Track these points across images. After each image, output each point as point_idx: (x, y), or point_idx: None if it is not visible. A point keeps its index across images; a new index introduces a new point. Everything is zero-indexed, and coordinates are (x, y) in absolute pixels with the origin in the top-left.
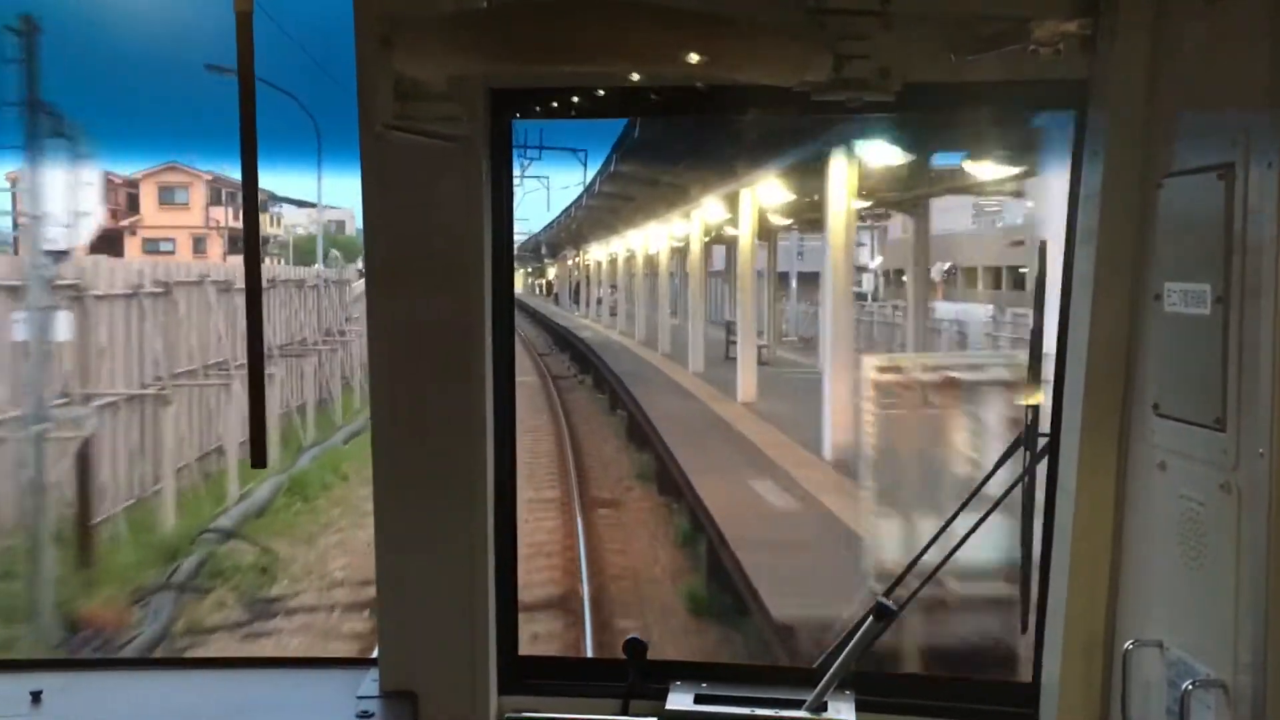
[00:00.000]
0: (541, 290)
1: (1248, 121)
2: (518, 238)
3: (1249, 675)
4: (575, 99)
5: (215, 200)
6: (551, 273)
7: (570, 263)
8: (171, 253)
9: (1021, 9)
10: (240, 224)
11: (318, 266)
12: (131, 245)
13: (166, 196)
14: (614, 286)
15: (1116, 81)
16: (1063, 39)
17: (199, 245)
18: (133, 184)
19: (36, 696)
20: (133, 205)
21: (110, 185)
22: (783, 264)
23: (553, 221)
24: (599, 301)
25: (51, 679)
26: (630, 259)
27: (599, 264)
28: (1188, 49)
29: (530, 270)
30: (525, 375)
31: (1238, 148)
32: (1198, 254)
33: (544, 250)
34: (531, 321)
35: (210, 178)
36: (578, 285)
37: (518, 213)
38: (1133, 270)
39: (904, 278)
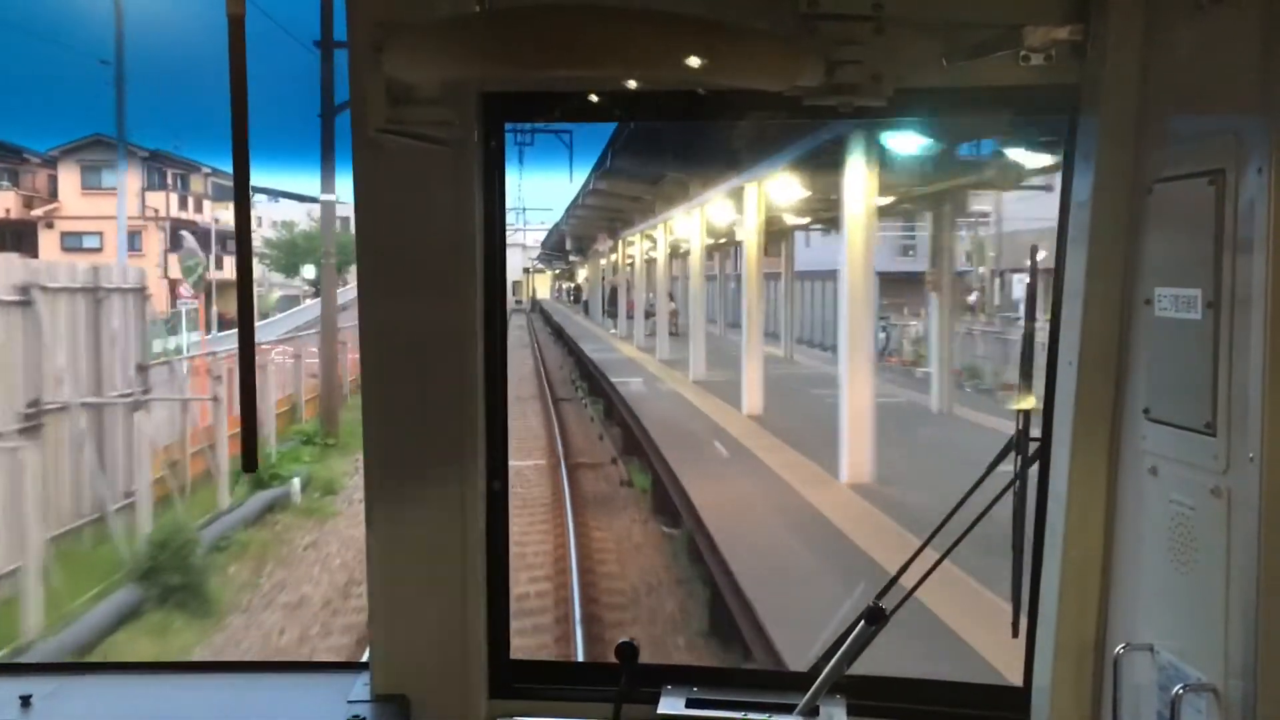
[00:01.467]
0: (569, 296)
1: (1238, 127)
2: (539, 233)
3: (1239, 680)
4: (567, 103)
5: (156, 184)
6: (582, 275)
7: (605, 261)
8: (98, 249)
9: (1013, 15)
10: (176, 215)
11: (116, 262)
12: (47, 241)
13: (91, 179)
14: (674, 300)
15: (1107, 87)
16: (1054, 45)
17: (133, 241)
18: (51, 163)
19: (26, 701)
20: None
21: (26, 165)
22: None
23: (578, 198)
24: (647, 316)
25: (41, 683)
26: (722, 245)
27: (648, 261)
28: (1179, 55)
29: (558, 271)
30: (532, 454)
31: (1228, 153)
32: (1189, 259)
33: (569, 245)
34: (555, 340)
35: (147, 155)
36: (613, 291)
37: (537, 200)
38: (1124, 275)
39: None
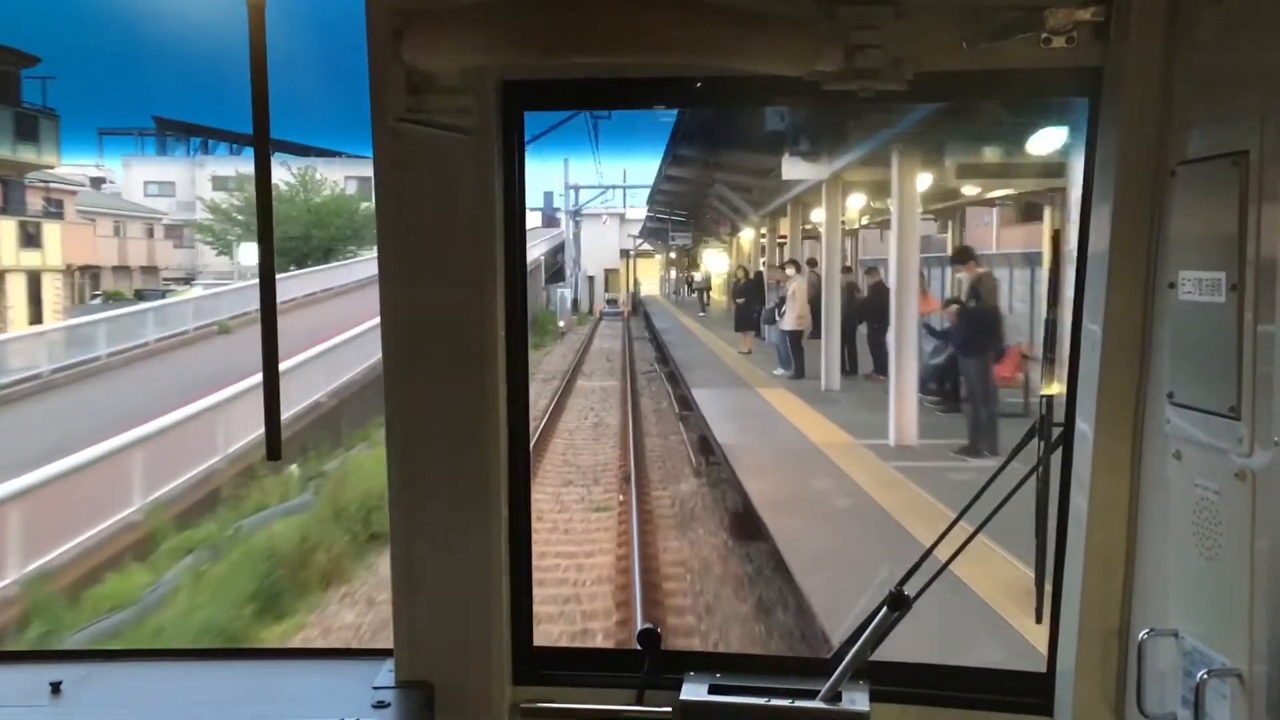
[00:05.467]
0: (699, 295)
1: (1262, 108)
2: (642, 193)
3: (1264, 664)
4: (587, 90)
5: None
6: (714, 264)
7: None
8: None
9: None
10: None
11: None
12: None
13: None
14: None
15: (1130, 69)
16: (1076, 27)
17: None
18: None
19: (56, 687)
20: None
21: None
22: None
23: None
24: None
25: (70, 670)
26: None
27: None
28: (1202, 35)
29: (674, 253)
30: None
31: (1253, 134)
32: (1212, 242)
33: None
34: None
35: None
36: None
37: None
38: (1147, 258)
39: None
